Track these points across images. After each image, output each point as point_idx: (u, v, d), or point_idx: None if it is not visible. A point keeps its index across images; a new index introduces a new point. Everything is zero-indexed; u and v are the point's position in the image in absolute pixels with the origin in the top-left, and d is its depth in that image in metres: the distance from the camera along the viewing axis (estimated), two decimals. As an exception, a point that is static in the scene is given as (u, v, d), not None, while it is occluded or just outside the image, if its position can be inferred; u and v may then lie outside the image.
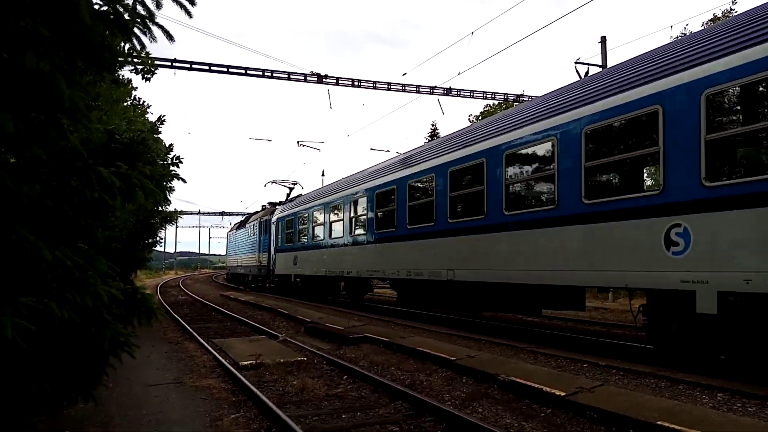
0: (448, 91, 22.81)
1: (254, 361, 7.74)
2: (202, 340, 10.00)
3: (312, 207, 19.02)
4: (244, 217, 38.82)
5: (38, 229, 2.98)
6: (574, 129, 7.85)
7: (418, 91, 22.57)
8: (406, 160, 13.26)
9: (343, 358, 8.10)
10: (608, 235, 7.29)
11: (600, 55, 18.78)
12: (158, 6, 3.27)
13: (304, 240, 19.52)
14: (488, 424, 4.70)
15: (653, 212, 6.67)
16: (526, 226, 8.75)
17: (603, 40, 18.84)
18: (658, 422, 4.26)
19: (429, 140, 37.32)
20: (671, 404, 4.82)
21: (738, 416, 4.55)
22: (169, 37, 3.36)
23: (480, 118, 34.29)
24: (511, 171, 9.26)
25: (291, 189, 28.19)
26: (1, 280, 2.70)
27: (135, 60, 8.59)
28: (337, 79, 21.50)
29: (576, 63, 18.57)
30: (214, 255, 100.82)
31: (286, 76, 21.07)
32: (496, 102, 30.00)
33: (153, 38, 3.21)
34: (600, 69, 17.32)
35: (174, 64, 19.62)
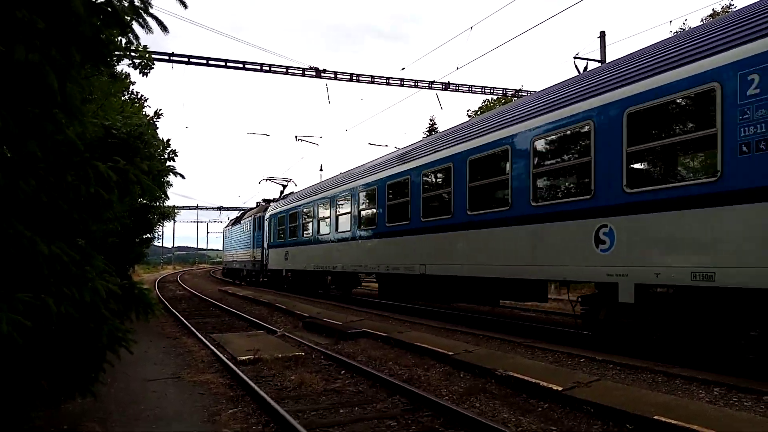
0: (446, 86, 22.75)
1: (252, 356, 7.75)
2: (200, 335, 10.00)
3: (301, 205, 19.90)
4: (240, 212, 39.16)
5: (35, 225, 2.96)
6: (523, 139, 8.77)
7: (416, 86, 22.51)
8: (386, 163, 14.05)
9: (341, 353, 8.12)
10: (550, 234, 8.15)
11: (599, 50, 18.76)
12: None
13: (295, 236, 20.42)
14: (486, 418, 4.71)
15: (585, 214, 7.53)
16: (485, 225, 9.63)
17: (602, 35, 18.81)
18: (655, 417, 4.28)
19: (427, 135, 37.28)
20: (668, 399, 4.84)
21: (734, 410, 4.58)
22: (164, 28, 3.34)
23: (479, 113, 34.25)
24: (474, 175, 10.12)
25: (284, 186, 28.74)
26: (-3, 275, 2.69)
27: (132, 54, 8.55)
28: (336, 73, 21.43)
29: (575, 58, 18.56)
30: (212, 250, 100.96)
31: (284, 70, 20.98)
32: (495, 97, 29.96)
33: (148, 29, 3.19)
34: (599, 64, 17.29)
35: (171, 58, 19.51)
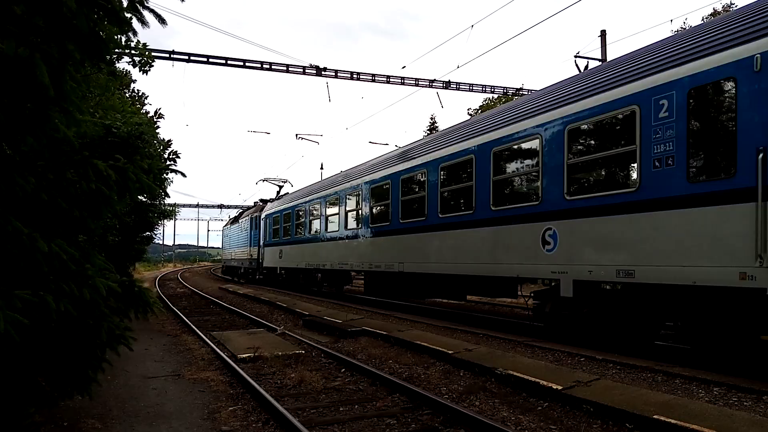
0: (447, 85, 22.71)
1: (252, 354, 7.75)
2: (200, 333, 10.01)
3: (294, 205, 20.99)
4: (239, 212, 39.79)
5: (34, 222, 2.96)
6: (486, 150, 9.77)
7: (417, 84, 22.47)
8: (371, 168, 15.03)
9: (341, 351, 8.12)
10: (507, 235, 9.08)
11: (600, 49, 18.72)
12: None
13: (288, 236, 21.53)
14: (485, 417, 4.71)
15: (535, 218, 8.41)
16: (454, 227, 10.54)
17: (603, 34, 18.77)
18: (655, 416, 4.28)
19: (428, 133, 37.27)
20: (668, 398, 4.83)
21: (734, 410, 4.56)
22: (161, 20, 3.32)
23: (479, 111, 34.21)
24: (444, 180, 11.04)
25: (280, 187, 29.64)
26: (-4, 272, 2.69)
27: (133, 51, 8.53)
28: (336, 71, 21.39)
29: (576, 57, 18.52)
30: (213, 248, 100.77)
31: (285, 68, 20.94)
32: (496, 96, 29.91)
33: (145, 23, 3.18)
34: (599, 63, 17.26)
35: (172, 56, 19.49)
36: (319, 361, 7.67)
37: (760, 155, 5.45)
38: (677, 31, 19.81)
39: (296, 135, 33.17)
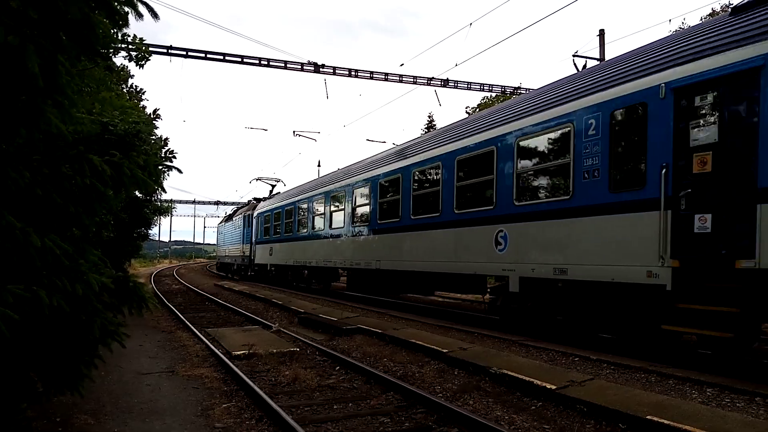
0: (445, 83, 22.69)
1: (247, 351, 7.74)
2: (195, 330, 9.99)
3: (284, 205, 21.95)
4: (234, 209, 40.22)
5: (28, 217, 2.94)
6: (450, 159, 10.74)
7: (415, 82, 22.44)
8: (357, 170, 15.78)
9: (335, 349, 8.12)
10: (466, 236, 10.03)
11: (598, 48, 18.73)
12: None
13: (278, 234, 22.46)
14: (479, 416, 4.71)
15: (490, 221, 9.35)
16: (423, 228, 11.50)
17: (601, 33, 18.78)
18: (648, 417, 4.29)
19: (425, 131, 37.27)
20: (661, 399, 4.85)
21: (726, 411, 4.59)
22: (154, 15, 3.30)
23: (477, 110, 34.21)
24: (416, 184, 12.02)
25: (273, 186, 30.13)
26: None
27: (130, 45, 8.49)
28: (334, 68, 21.33)
29: (574, 56, 18.51)
30: (209, 244, 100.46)
31: (283, 64, 20.87)
32: (494, 94, 29.91)
33: (139, 15, 3.15)
34: (598, 62, 17.27)
35: (169, 51, 19.38)
36: (314, 359, 7.66)
37: (663, 170, 6.34)
38: (676, 30, 19.83)
39: (294, 132, 33.16)
